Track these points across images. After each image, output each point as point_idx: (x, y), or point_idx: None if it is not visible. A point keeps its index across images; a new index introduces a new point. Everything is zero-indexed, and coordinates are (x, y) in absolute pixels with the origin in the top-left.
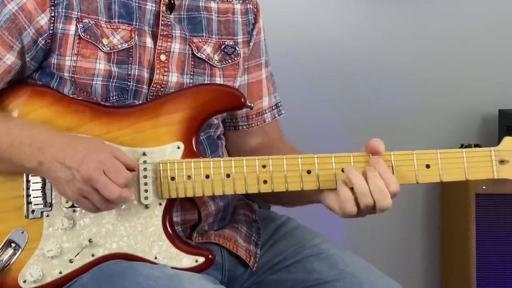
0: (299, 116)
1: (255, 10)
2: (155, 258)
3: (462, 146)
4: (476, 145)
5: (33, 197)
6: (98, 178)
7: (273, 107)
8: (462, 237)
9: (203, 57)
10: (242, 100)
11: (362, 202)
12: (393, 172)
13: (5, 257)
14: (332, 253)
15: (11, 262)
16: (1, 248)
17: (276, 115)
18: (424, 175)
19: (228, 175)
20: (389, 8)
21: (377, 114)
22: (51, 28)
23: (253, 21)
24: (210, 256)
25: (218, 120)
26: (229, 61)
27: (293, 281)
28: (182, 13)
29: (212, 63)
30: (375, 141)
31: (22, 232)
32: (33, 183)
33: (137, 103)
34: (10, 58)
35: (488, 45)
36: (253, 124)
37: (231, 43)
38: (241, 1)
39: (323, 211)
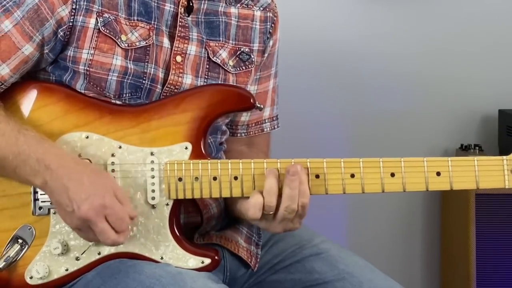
0: (301, 118)
1: (274, 19)
2: (161, 258)
3: (462, 146)
4: (476, 145)
5: (40, 194)
6: (97, 223)
7: (273, 118)
8: (462, 237)
9: (218, 61)
10: (251, 100)
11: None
12: (402, 178)
13: (12, 253)
14: (332, 253)
15: (17, 258)
16: (8, 244)
17: (275, 127)
18: (434, 183)
19: (235, 178)
20: (389, 11)
21: (378, 114)
22: (71, 20)
23: (270, 30)
24: (216, 258)
25: (225, 127)
26: (243, 68)
27: (293, 281)
28: (199, 16)
29: (226, 69)
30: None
31: (29, 229)
32: None
33: (145, 102)
34: (29, 49)
35: (488, 45)
36: (251, 132)
37: (246, 50)
38: (261, 8)
39: (323, 211)
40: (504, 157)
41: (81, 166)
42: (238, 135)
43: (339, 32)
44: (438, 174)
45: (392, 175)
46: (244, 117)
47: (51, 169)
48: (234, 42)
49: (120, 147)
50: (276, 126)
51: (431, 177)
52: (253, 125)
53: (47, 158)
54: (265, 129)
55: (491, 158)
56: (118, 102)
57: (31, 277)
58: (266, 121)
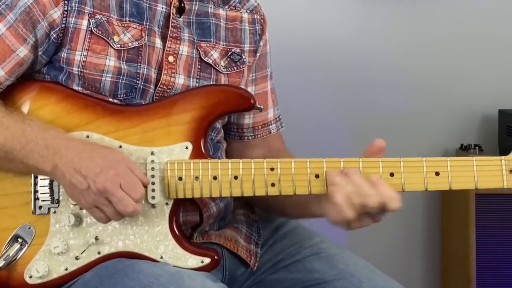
0: (300, 117)
1: (262, 21)
2: (161, 257)
3: (462, 146)
4: (476, 145)
5: (41, 193)
6: (114, 192)
7: (277, 119)
8: (462, 237)
9: (210, 62)
10: (252, 101)
11: (356, 200)
12: (401, 178)
13: (12, 252)
14: (332, 253)
15: (17, 257)
16: (8, 243)
17: (280, 127)
18: (433, 183)
19: (236, 177)
20: (389, 9)
21: (377, 114)
22: (63, 22)
23: (260, 32)
24: (215, 257)
25: (220, 125)
26: (235, 68)
27: (292, 280)
28: (191, 17)
29: (218, 69)
30: (378, 143)
31: (29, 228)
32: (41, 179)
33: (143, 103)
34: (23, 51)
35: (488, 45)
36: (258, 135)
37: (237, 50)
38: (248, 11)
39: None
40: (503, 157)
41: (89, 145)
42: (246, 138)
43: (340, 33)
44: (437, 174)
45: (391, 174)
46: (248, 119)
47: (60, 152)
48: (224, 43)
49: (120, 147)
50: (280, 127)
51: (430, 177)
52: (260, 127)
53: (55, 143)
54: (272, 131)
55: (490, 158)
56: (115, 101)
57: (30, 276)
58: (272, 122)
